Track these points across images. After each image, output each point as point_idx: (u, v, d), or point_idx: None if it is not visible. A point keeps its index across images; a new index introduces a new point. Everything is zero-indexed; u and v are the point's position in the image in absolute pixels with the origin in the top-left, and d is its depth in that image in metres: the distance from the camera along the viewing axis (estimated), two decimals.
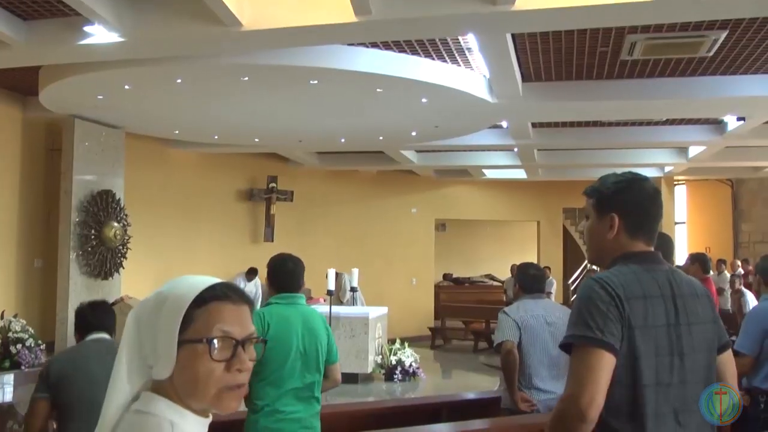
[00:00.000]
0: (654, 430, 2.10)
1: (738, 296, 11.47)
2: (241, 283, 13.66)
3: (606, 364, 2.06)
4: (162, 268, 13.64)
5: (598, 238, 2.36)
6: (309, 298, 13.08)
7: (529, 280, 4.84)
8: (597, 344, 2.08)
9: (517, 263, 5.24)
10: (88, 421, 3.47)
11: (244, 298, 1.44)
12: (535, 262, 19.51)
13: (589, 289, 2.18)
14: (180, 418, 1.33)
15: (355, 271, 12.12)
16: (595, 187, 2.41)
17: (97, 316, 3.82)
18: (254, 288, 13.54)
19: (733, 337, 4.32)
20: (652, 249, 2.34)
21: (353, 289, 11.25)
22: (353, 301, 13.00)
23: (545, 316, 4.57)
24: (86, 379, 3.51)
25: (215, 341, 1.33)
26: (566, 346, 2.17)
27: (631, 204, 2.32)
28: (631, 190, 2.33)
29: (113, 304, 6.61)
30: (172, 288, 1.40)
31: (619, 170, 2.45)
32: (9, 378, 9.01)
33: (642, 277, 2.21)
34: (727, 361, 2.38)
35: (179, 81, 8.70)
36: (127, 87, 8.96)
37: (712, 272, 9.09)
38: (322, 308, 10.60)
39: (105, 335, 3.77)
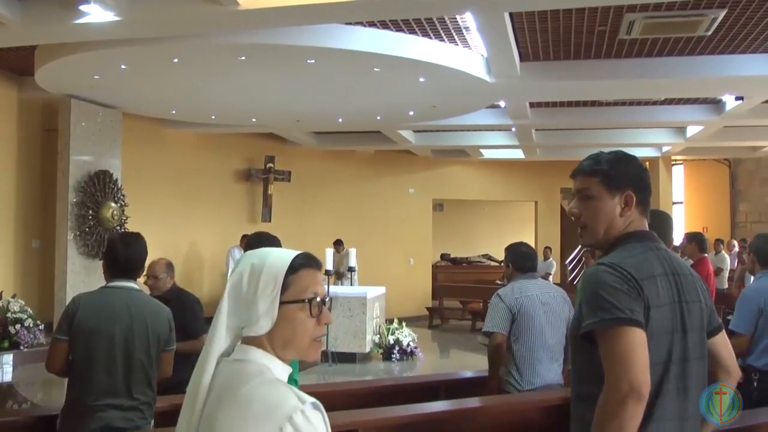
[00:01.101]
0: (659, 406, 2.10)
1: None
2: (236, 253, 13.67)
3: (642, 340, 2.04)
4: (160, 248, 13.63)
5: (609, 216, 2.29)
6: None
7: (521, 258, 4.76)
8: (628, 323, 2.05)
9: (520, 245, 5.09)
10: (101, 375, 3.49)
11: (318, 263, 1.74)
12: (533, 242, 19.59)
13: (602, 274, 2.15)
14: (272, 364, 1.61)
15: (353, 251, 12.14)
16: (594, 167, 2.34)
17: (128, 261, 3.71)
18: None
19: (729, 317, 4.34)
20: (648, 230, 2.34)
21: (351, 269, 11.26)
22: (351, 281, 13.02)
23: (539, 296, 4.51)
24: (107, 336, 3.51)
25: (311, 301, 1.64)
26: (587, 335, 2.12)
27: (641, 179, 2.32)
28: (636, 165, 2.33)
29: None
30: (262, 261, 1.66)
31: (618, 149, 2.44)
32: (8, 358, 9.05)
33: (648, 256, 2.21)
34: (723, 343, 2.38)
35: (176, 61, 8.66)
36: (123, 67, 8.92)
37: (708, 252, 9.11)
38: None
39: (131, 284, 3.70)
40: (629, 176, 2.30)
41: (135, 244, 3.76)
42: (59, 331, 3.58)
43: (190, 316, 4.95)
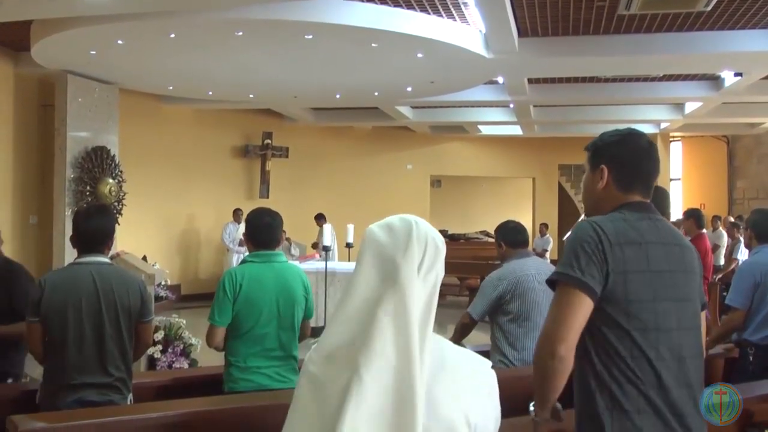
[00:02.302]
0: (663, 373, 2.15)
1: (734, 243, 11.55)
2: (231, 228, 13.68)
3: (581, 304, 2.13)
4: (157, 224, 13.67)
5: (591, 189, 2.44)
6: (302, 255, 13.14)
7: (511, 232, 4.68)
8: (575, 284, 2.14)
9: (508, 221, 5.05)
10: (73, 353, 3.44)
11: None
12: (531, 218, 19.63)
13: (581, 230, 2.24)
14: None
15: (351, 227, 12.12)
16: (592, 141, 2.48)
17: (90, 234, 3.60)
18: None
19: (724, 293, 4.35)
20: (648, 201, 2.39)
21: (325, 248, 11.19)
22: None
23: (536, 276, 4.45)
24: (74, 313, 3.46)
25: None
26: (551, 283, 2.24)
27: (622, 157, 2.37)
28: (622, 144, 2.39)
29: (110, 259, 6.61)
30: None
31: (615, 126, 2.48)
32: None
33: (638, 225, 2.26)
34: (703, 320, 2.43)
35: (173, 36, 8.61)
36: (119, 42, 8.87)
37: (706, 229, 9.11)
38: (318, 265, 10.66)
39: (100, 258, 3.60)
40: (607, 153, 2.40)
41: (97, 216, 3.65)
42: (30, 313, 3.53)
43: (18, 291, 4.14)
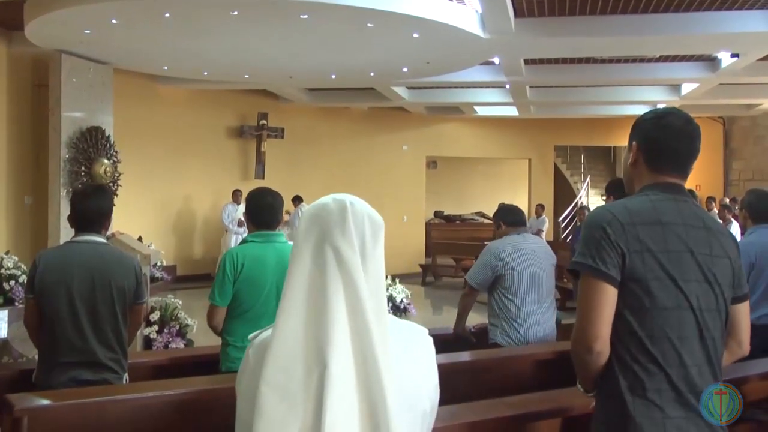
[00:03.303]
0: (681, 354, 2.13)
1: (726, 225, 11.59)
2: (230, 209, 13.70)
3: (604, 294, 2.13)
4: (153, 204, 13.66)
5: (624, 166, 2.43)
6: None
7: (509, 213, 4.86)
8: (594, 274, 2.14)
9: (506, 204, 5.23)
10: (67, 331, 3.46)
11: None
12: (526, 199, 19.65)
13: (591, 217, 2.25)
14: None
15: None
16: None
17: (85, 214, 3.63)
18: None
19: None
20: (682, 183, 2.35)
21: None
22: None
23: (534, 251, 4.61)
24: (67, 292, 3.47)
25: None
26: (572, 272, 2.25)
27: (653, 135, 2.33)
28: (656, 121, 2.34)
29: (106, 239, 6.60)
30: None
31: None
32: (3, 314, 9.07)
33: (661, 205, 2.23)
34: (744, 313, 2.36)
35: (167, 15, 8.55)
36: (114, 21, 8.81)
37: None
38: None
39: (96, 237, 3.62)
40: (640, 130, 2.37)
41: (95, 196, 3.67)
42: (28, 288, 3.57)
43: None
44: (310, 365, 1.51)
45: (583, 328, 2.15)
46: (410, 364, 1.65)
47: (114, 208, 3.91)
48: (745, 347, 2.40)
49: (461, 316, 4.85)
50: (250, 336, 1.71)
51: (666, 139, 2.31)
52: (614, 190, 4.69)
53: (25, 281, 3.61)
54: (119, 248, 4.18)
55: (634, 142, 2.36)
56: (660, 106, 15.91)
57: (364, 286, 1.56)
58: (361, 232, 1.63)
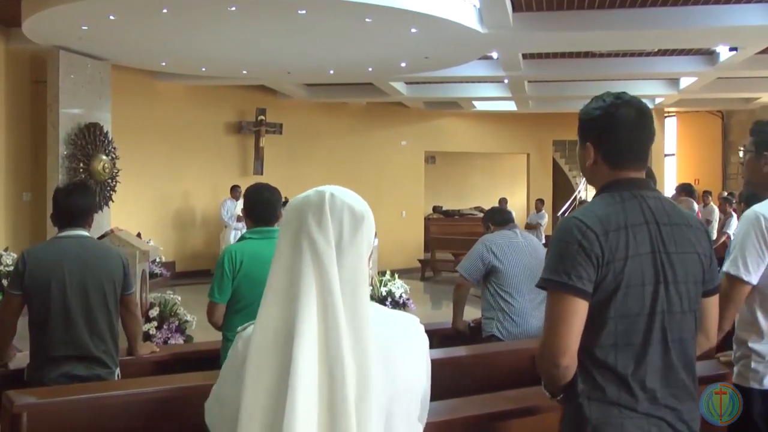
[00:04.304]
0: (649, 356, 2.10)
1: (726, 218, 11.60)
2: (229, 204, 13.70)
3: (575, 310, 2.06)
4: (151, 200, 13.66)
5: (582, 164, 2.31)
6: None
7: (496, 213, 5.01)
8: (565, 290, 2.07)
9: (506, 197, 5.36)
10: (58, 326, 3.47)
11: None
12: (525, 194, 19.66)
13: (564, 230, 2.14)
14: None
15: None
16: (581, 110, 2.32)
17: (67, 210, 3.68)
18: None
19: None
20: (643, 175, 2.26)
21: None
22: None
23: (525, 245, 4.71)
24: (58, 287, 3.48)
25: None
26: (541, 288, 2.17)
27: (608, 133, 2.22)
28: (606, 117, 2.21)
29: (103, 236, 6.60)
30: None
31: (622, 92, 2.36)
32: None
33: (627, 206, 2.15)
34: (713, 305, 2.33)
35: (165, 11, 8.54)
36: (112, 17, 8.79)
37: (697, 205, 9.14)
38: None
39: (81, 232, 3.66)
40: (591, 130, 2.26)
41: (77, 193, 3.72)
42: (12, 285, 3.56)
43: None
44: (282, 356, 1.52)
45: (550, 342, 2.08)
46: (402, 350, 1.67)
47: (112, 204, 3.94)
48: (712, 339, 2.38)
49: (457, 309, 4.90)
50: (239, 328, 1.74)
51: (622, 136, 2.20)
52: None
53: (11, 277, 3.60)
54: (104, 242, 4.19)
55: (588, 143, 2.25)
56: (658, 100, 15.95)
57: (335, 279, 1.56)
58: (339, 225, 1.63)
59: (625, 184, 2.21)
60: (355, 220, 1.66)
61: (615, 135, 2.21)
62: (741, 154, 3.03)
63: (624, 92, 2.27)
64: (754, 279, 2.83)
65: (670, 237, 2.15)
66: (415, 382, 1.69)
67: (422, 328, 1.77)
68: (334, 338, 1.53)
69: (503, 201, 16.28)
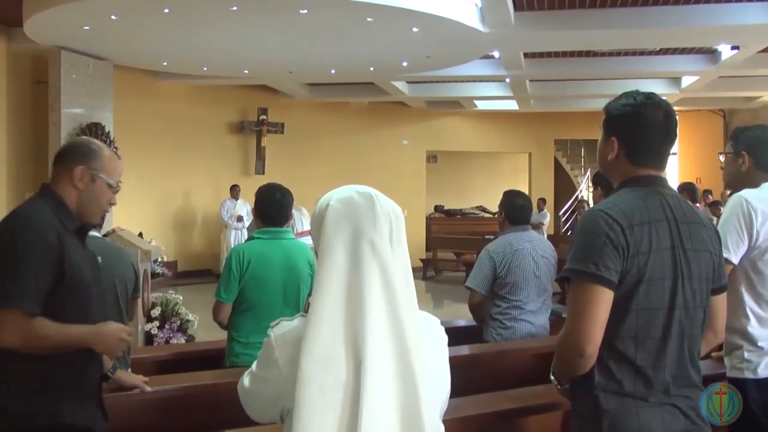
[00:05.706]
0: (668, 350, 2.14)
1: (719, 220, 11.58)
2: (229, 204, 13.73)
3: (602, 299, 2.09)
4: (153, 200, 13.66)
5: (603, 157, 2.38)
6: (301, 231, 13.15)
7: (517, 211, 4.71)
8: (592, 279, 2.10)
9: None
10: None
11: None
12: (527, 193, 19.63)
13: (590, 222, 2.18)
14: None
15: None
16: (607, 104, 2.38)
17: None
18: (243, 206, 13.67)
19: None
20: (662, 174, 2.33)
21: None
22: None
23: (531, 250, 4.52)
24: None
25: None
26: (564, 279, 2.19)
27: (634, 131, 2.29)
28: (636, 116, 2.28)
29: (105, 236, 6.61)
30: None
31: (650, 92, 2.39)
32: None
33: (648, 202, 2.20)
34: (722, 304, 2.38)
35: (166, 11, 8.55)
36: (113, 17, 8.81)
37: (699, 203, 9.14)
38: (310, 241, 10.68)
39: (93, 232, 3.54)
40: (619, 125, 2.32)
41: None
42: None
43: None
44: (347, 360, 1.54)
45: (576, 330, 2.11)
46: (434, 350, 1.71)
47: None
48: (720, 336, 2.45)
49: (477, 318, 4.70)
50: (272, 323, 1.73)
51: (648, 136, 2.28)
52: (602, 179, 4.65)
53: None
54: (116, 243, 4.17)
55: (613, 138, 2.31)
56: None
57: (398, 278, 1.59)
58: (389, 224, 1.65)
59: (647, 181, 2.27)
60: (398, 219, 1.68)
61: (641, 134, 2.28)
62: (721, 158, 3.15)
63: (653, 93, 2.36)
64: (734, 258, 2.95)
65: (687, 234, 2.21)
66: (445, 381, 1.74)
67: (443, 329, 1.79)
68: (401, 338, 1.56)
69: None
